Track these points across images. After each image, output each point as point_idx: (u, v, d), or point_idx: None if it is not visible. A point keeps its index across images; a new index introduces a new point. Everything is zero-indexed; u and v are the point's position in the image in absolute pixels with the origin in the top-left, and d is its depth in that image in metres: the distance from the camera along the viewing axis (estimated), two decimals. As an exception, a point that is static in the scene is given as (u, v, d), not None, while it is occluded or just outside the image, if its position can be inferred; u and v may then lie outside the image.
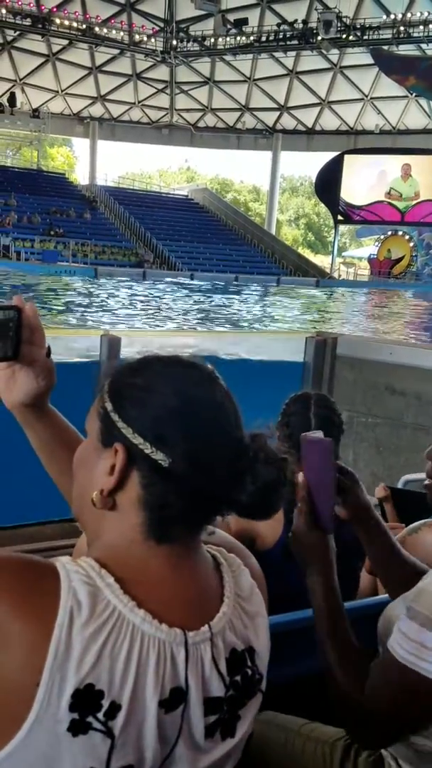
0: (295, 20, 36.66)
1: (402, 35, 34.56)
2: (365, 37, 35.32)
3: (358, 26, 35.18)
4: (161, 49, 39.55)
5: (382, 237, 39.55)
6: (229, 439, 0.89)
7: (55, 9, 36.54)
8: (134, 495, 0.87)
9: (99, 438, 0.90)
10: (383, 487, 2.72)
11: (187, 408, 0.87)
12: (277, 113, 44.52)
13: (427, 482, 1.34)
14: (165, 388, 0.87)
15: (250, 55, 40.00)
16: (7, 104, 40.08)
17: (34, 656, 0.75)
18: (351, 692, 1.15)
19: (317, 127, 44.65)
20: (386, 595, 1.83)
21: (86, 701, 0.76)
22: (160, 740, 0.81)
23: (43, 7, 36.21)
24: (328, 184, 39.84)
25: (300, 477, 1.28)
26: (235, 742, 0.90)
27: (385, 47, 35.31)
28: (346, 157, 39.74)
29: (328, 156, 41.05)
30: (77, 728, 0.75)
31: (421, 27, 34.22)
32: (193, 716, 0.84)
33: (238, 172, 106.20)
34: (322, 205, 46.69)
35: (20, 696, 0.75)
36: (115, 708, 0.77)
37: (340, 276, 41.07)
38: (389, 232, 39.21)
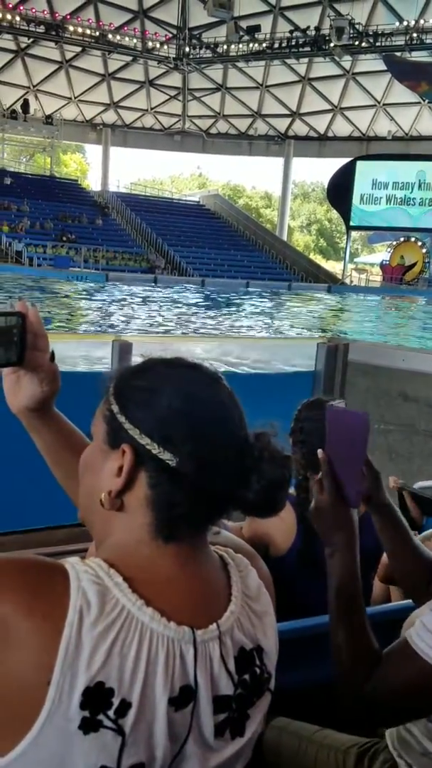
0: (308, 27, 36.72)
1: (415, 42, 34.49)
2: (378, 44, 35.30)
3: (371, 33, 35.16)
4: (174, 55, 39.71)
5: (394, 243, 39.44)
6: (234, 438, 0.90)
7: (68, 16, 36.79)
8: (142, 495, 0.88)
9: (105, 440, 0.91)
10: (394, 479, 2.70)
11: (193, 408, 0.88)
12: (289, 119, 44.58)
13: None
14: (170, 389, 0.89)
15: (263, 62, 40.08)
16: (20, 111, 40.38)
17: (45, 654, 0.76)
18: (355, 673, 1.13)
19: (329, 134, 44.66)
20: (398, 603, 1.82)
21: (97, 699, 0.76)
22: (170, 738, 0.81)
23: (56, 15, 36.47)
24: (340, 190, 39.82)
25: (320, 453, 1.25)
26: (244, 741, 0.90)
27: (398, 54, 35.27)
28: (359, 163, 39.69)
29: (340, 162, 41.07)
30: (88, 726, 0.76)
31: (434, 33, 34.18)
32: (202, 714, 0.84)
33: (249, 179, 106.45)
34: (334, 211, 46.67)
35: (32, 694, 0.75)
36: (125, 706, 0.78)
37: (351, 282, 40.98)
38: (401, 239, 39.10)
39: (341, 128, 44.18)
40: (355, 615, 1.18)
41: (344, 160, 40.69)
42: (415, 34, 34.39)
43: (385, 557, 2.03)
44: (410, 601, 1.48)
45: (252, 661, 0.91)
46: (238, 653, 0.90)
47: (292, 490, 2.04)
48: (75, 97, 43.50)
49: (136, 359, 0.97)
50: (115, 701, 0.77)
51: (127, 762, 0.78)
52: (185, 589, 0.88)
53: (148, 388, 0.89)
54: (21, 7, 35.34)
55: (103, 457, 0.92)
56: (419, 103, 40.02)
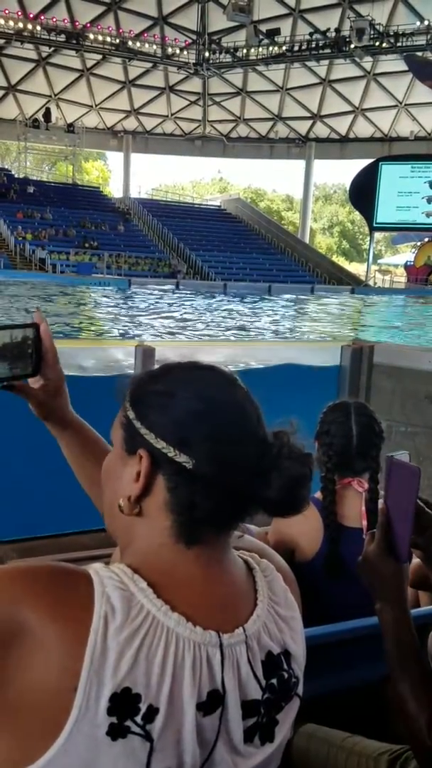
0: (328, 29, 36.64)
1: (436, 41, 34.26)
2: (399, 44, 35.09)
3: (392, 33, 34.97)
4: (194, 61, 39.86)
5: (419, 244, 39.10)
6: (252, 437, 0.89)
7: (89, 25, 37.15)
8: (161, 499, 0.87)
9: (123, 447, 0.92)
10: None
11: (208, 409, 0.87)
12: (310, 122, 44.47)
13: None
14: (185, 392, 0.88)
15: (283, 65, 40.06)
16: (42, 120, 40.84)
17: (71, 660, 0.76)
18: (421, 725, 1.10)
19: (351, 135, 44.47)
20: (428, 608, 1.80)
21: (124, 705, 0.76)
22: (199, 743, 0.81)
23: (77, 23, 36.85)
24: (362, 191, 39.61)
25: (380, 503, 1.24)
26: (274, 747, 0.89)
27: (419, 53, 35.03)
28: (382, 164, 39.43)
29: (362, 163, 40.85)
30: (116, 732, 0.76)
31: (456, 32, 33.91)
32: (231, 719, 0.84)
33: (271, 182, 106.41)
34: (356, 212, 46.43)
35: (58, 701, 0.75)
36: (152, 711, 0.77)
37: (375, 284, 40.69)
38: (426, 239, 38.75)
39: (363, 129, 43.96)
40: (414, 666, 1.15)
41: (366, 162, 40.49)
42: (436, 34, 34.13)
43: (415, 563, 2.00)
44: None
45: (280, 665, 0.90)
46: (266, 657, 0.89)
47: (318, 494, 2.03)
48: (96, 105, 43.87)
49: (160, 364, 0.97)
50: (143, 707, 0.77)
51: (157, 767, 0.78)
52: (210, 592, 0.87)
53: (163, 392, 0.89)
54: (42, 17, 35.76)
55: (122, 464, 0.92)
56: (441, 102, 39.72)
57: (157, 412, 0.88)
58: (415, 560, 1.97)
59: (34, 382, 1.22)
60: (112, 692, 0.76)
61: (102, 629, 0.77)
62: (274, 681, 0.89)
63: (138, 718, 0.76)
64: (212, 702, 0.82)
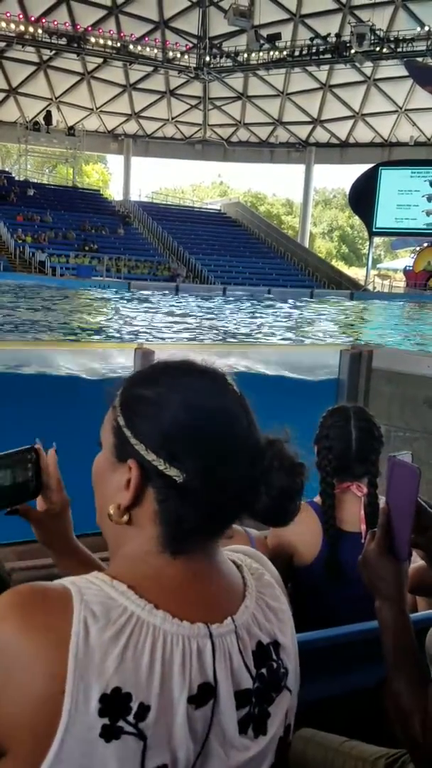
0: (328, 34, 36.73)
1: (436, 47, 34.35)
2: (399, 50, 35.14)
3: (392, 38, 35.04)
4: (194, 65, 39.93)
5: (418, 249, 39.16)
6: (242, 447, 0.88)
7: (90, 28, 37.21)
8: (150, 510, 0.88)
9: (113, 452, 0.91)
10: None
11: (199, 422, 0.86)
12: (311, 126, 44.55)
13: None
14: (176, 401, 0.87)
15: (283, 70, 40.14)
16: (43, 122, 40.88)
17: (55, 665, 0.76)
18: (414, 724, 1.11)
19: (351, 140, 44.54)
20: (426, 612, 1.80)
21: (115, 705, 0.76)
22: (191, 737, 0.81)
23: (78, 27, 36.91)
24: (362, 196, 39.67)
25: (382, 503, 1.25)
26: (267, 740, 0.89)
27: (420, 59, 35.12)
28: (382, 169, 39.50)
29: (361, 168, 40.90)
30: (110, 734, 0.76)
31: (456, 38, 34.00)
32: (224, 711, 0.84)
33: (270, 186, 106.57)
34: (356, 217, 46.49)
35: (48, 706, 0.75)
36: (144, 709, 0.78)
37: (375, 288, 40.73)
38: (425, 244, 38.81)
39: (363, 134, 44.04)
40: (410, 665, 1.16)
41: (366, 167, 40.54)
42: (436, 39, 34.23)
43: (412, 567, 2.00)
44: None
45: (269, 655, 0.91)
46: (256, 647, 0.89)
47: (317, 499, 2.03)
48: (97, 108, 43.93)
49: None
50: (134, 705, 0.77)
51: (151, 765, 0.78)
52: (196, 591, 0.88)
53: (153, 400, 0.88)
54: (43, 20, 35.82)
55: (112, 469, 0.91)
56: (441, 107, 39.82)
57: (146, 422, 0.87)
58: (413, 565, 1.97)
59: (40, 506, 1.23)
60: (101, 693, 0.76)
61: (83, 632, 0.77)
62: (263, 671, 0.89)
63: (130, 717, 0.77)
64: (203, 694, 0.82)
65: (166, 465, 0.85)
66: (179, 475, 0.85)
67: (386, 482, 1.25)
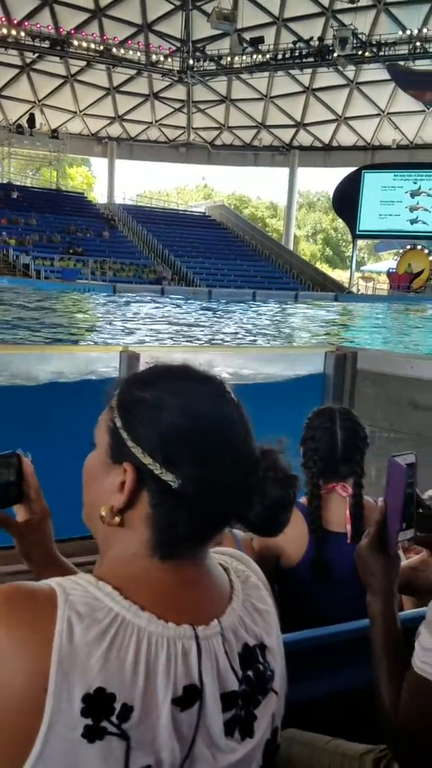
0: (311, 38, 36.92)
1: (418, 51, 34.59)
2: (381, 53, 35.43)
3: (374, 42, 35.30)
4: (178, 68, 39.98)
5: (401, 251, 39.43)
6: (238, 456, 0.89)
7: (73, 31, 37.13)
8: (143, 513, 0.87)
9: (108, 453, 0.91)
10: None
11: (198, 428, 0.86)
12: (294, 130, 44.75)
13: None
14: (175, 406, 0.87)
15: (267, 73, 40.29)
16: (26, 125, 40.72)
17: (38, 662, 0.76)
18: (392, 713, 1.13)
19: (334, 143, 44.79)
20: (412, 611, 1.81)
21: (98, 705, 0.76)
22: (177, 739, 0.80)
23: (61, 30, 36.83)
24: (345, 199, 39.90)
25: (380, 501, 1.27)
26: (254, 743, 0.89)
27: (402, 63, 35.40)
28: (365, 172, 39.74)
29: (345, 171, 41.14)
30: (93, 734, 0.76)
31: (437, 42, 34.30)
32: (210, 713, 0.84)
33: (255, 189, 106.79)
34: (340, 220, 46.73)
35: (30, 704, 0.75)
36: (127, 710, 0.77)
37: (359, 291, 40.96)
38: (408, 246, 39.09)
39: (346, 138, 44.30)
40: (392, 658, 1.18)
41: (349, 170, 40.79)
42: (418, 43, 34.50)
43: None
44: (424, 609, 1.47)
45: (255, 658, 0.91)
46: (242, 649, 0.89)
47: (303, 500, 2.04)
48: (80, 111, 43.84)
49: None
50: (117, 706, 0.77)
51: (135, 766, 0.78)
52: (182, 594, 0.88)
53: (152, 403, 0.87)
54: (26, 23, 35.70)
55: (105, 470, 0.91)
56: (423, 111, 40.11)
57: (144, 425, 0.87)
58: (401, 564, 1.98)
59: (20, 516, 1.21)
60: (84, 693, 0.76)
61: (67, 631, 0.77)
62: (250, 673, 0.89)
63: (113, 718, 0.76)
64: (189, 696, 0.82)
65: (162, 470, 0.85)
66: (175, 481, 0.84)
67: (386, 481, 1.28)
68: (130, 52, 38.97)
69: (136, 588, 0.84)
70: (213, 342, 13.58)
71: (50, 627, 0.77)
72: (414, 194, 38.73)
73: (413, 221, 38.99)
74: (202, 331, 15.80)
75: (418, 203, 38.72)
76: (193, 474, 0.85)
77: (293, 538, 1.98)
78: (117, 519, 0.88)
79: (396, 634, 1.21)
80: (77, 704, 0.75)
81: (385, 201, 39.16)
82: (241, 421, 0.91)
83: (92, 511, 0.93)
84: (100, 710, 0.76)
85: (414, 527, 1.25)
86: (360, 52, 35.29)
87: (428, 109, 39.07)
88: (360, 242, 43.83)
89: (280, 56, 37.67)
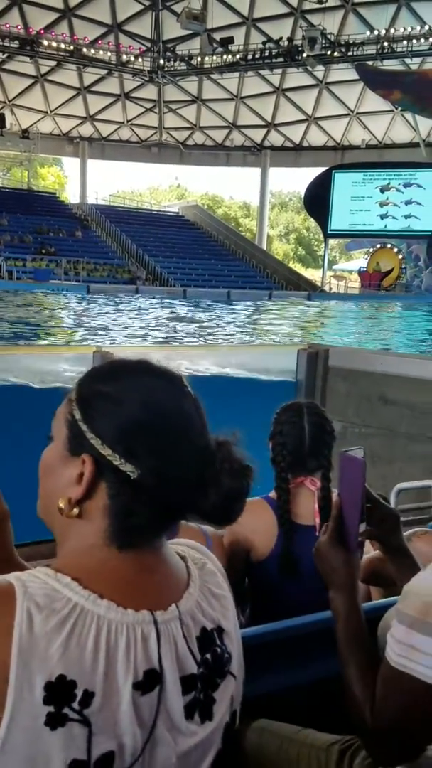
0: (281, 38, 37.06)
1: (386, 50, 34.94)
2: (350, 53, 35.70)
3: (343, 42, 35.56)
4: (149, 68, 39.86)
5: (371, 250, 39.78)
6: (195, 448, 0.91)
7: (42, 31, 36.82)
8: (101, 504, 0.89)
9: (66, 446, 0.91)
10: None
11: (157, 420, 0.88)
12: (265, 130, 44.89)
13: None
14: (134, 399, 0.88)
15: (237, 73, 40.37)
16: (-3, 125, 40.30)
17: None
18: (365, 710, 1.13)
19: (305, 143, 45.03)
20: (379, 601, 1.84)
21: (60, 692, 0.77)
22: (138, 723, 0.82)
23: (30, 30, 36.50)
24: (316, 199, 40.10)
25: (335, 496, 1.28)
26: (213, 726, 0.91)
27: (370, 63, 35.70)
28: (335, 172, 40.01)
29: (316, 171, 41.34)
30: (55, 721, 0.76)
31: (405, 42, 34.62)
32: (170, 696, 0.85)
33: (227, 189, 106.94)
34: (312, 219, 46.98)
35: None
36: (88, 696, 0.78)
37: (331, 289, 41.24)
38: (378, 245, 39.45)
39: (316, 138, 44.56)
40: (361, 651, 1.19)
41: (320, 170, 40.98)
42: (386, 43, 34.85)
43: (365, 558, 2.04)
44: (391, 599, 1.50)
45: (213, 641, 0.93)
46: (200, 633, 0.91)
47: (272, 494, 2.06)
48: (51, 111, 43.49)
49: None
50: (78, 693, 0.78)
51: (97, 752, 0.79)
52: (140, 581, 0.89)
53: (112, 396, 0.89)
54: (-6, 23, 35.37)
55: (63, 462, 0.91)
56: (392, 111, 40.51)
57: (104, 417, 0.88)
58: (366, 556, 2.01)
59: None
60: (46, 681, 0.76)
61: (27, 622, 0.78)
62: (208, 656, 0.91)
63: (75, 704, 0.77)
64: (149, 681, 0.83)
65: (121, 461, 0.86)
66: (134, 472, 0.86)
67: (339, 476, 1.29)
68: (101, 52, 38.77)
69: (95, 577, 0.86)
70: (188, 341, 13.58)
71: (9, 619, 0.78)
72: (384, 189, 38.98)
73: (383, 216, 39.17)
74: (176, 330, 15.79)
75: (388, 200, 39.02)
76: (151, 465, 0.86)
77: (262, 532, 2.00)
78: (75, 510, 0.89)
79: (362, 629, 1.22)
80: (39, 692, 0.76)
81: (356, 200, 39.44)
82: (197, 415, 0.93)
83: (49, 504, 0.93)
84: (62, 697, 0.77)
85: (365, 521, 1.26)
86: (329, 52, 35.52)
87: (396, 109, 39.46)
88: (332, 241, 44.12)
89: (250, 56, 37.75)
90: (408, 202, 38.44)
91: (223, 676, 0.94)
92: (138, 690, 0.82)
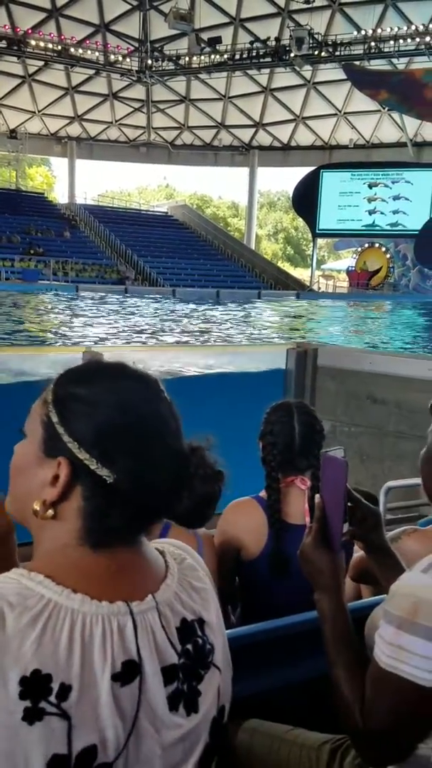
0: (268, 38, 37.10)
1: (373, 50, 35.09)
2: (337, 53, 35.81)
3: (330, 42, 35.67)
4: (136, 68, 39.81)
5: (359, 249, 39.91)
6: (170, 453, 0.91)
7: (30, 31, 36.69)
8: (75, 506, 0.88)
9: (42, 447, 0.91)
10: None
11: (133, 424, 0.88)
12: (253, 130, 44.94)
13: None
14: (111, 402, 0.88)
15: (225, 73, 40.38)
16: (-17, 126, 40.11)
17: None
18: (355, 710, 1.13)
19: (293, 143, 45.12)
20: (369, 599, 1.85)
21: (35, 686, 0.77)
22: (119, 715, 0.81)
23: (18, 29, 36.36)
24: (304, 198, 40.18)
25: (317, 498, 1.28)
26: (200, 718, 0.90)
27: (357, 62, 35.82)
28: (323, 171, 40.10)
29: (304, 171, 41.44)
30: (32, 716, 0.76)
31: (392, 42, 34.78)
32: (151, 687, 0.85)
33: (216, 189, 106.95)
34: (300, 219, 47.08)
35: None
36: (65, 689, 0.78)
37: (319, 289, 41.34)
38: (366, 245, 39.58)
39: (304, 137, 44.66)
40: (349, 653, 1.19)
41: (308, 169, 41.09)
42: (373, 43, 35.00)
43: (355, 557, 2.05)
44: (378, 597, 1.50)
45: (194, 631, 0.93)
46: (180, 624, 0.91)
47: (262, 493, 2.06)
48: (39, 111, 43.33)
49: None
50: (54, 686, 0.77)
51: (79, 745, 0.78)
52: (116, 576, 0.89)
53: (89, 399, 0.89)
54: (-19, 23, 35.20)
55: (38, 463, 0.91)
56: (379, 111, 40.66)
57: (80, 420, 0.88)
58: (356, 555, 2.02)
59: None
60: (20, 676, 0.76)
61: (0, 622, 0.78)
62: (189, 647, 0.91)
63: (51, 698, 0.77)
64: (128, 672, 0.83)
65: (98, 465, 0.86)
66: (110, 476, 0.86)
67: (320, 477, 1.30)
68: (88, 52, 38.68)
69: (68, 574, 0.85)
70: (177, 341, 13.58)
71: None
72: (372, 188, 39.09)
73: (371, 212, 39.24)
74: (165, 330, 15.77)
75: (376, 199, 39.13)
76: (127, 469, 0.86)
77: (253, 532, 2.00)
78: (50, 512, 0.89)
79: (349, 630, 1.22)
80: (14, 688, 0.76)
81: (344, 200, 39.54)
82: (173, 419, 0.93)
83: (23, 505, 0.93)
84: (38, 691, 0.77)
85: (348, 521, 1.27)
86: (316, 52, 35.63)
87: (384, 108, 39.60)
88: (320, 241, 44.23)
89: (237, 56, 37.80)
90: (396, 201, 38.58)
91: (206, 667, 0.93)
92: (117, 681, 0.81)
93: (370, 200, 39.15)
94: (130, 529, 0.91)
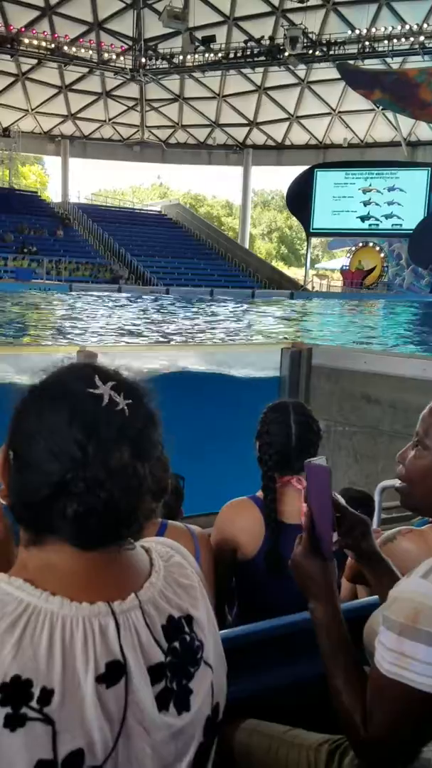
0: (262, 37, 37.09)
1: (367, 50, 35.12)
2: (331, 53, 35.82)
3: (324, 42, 35.67)
4: (130, 67, 39.74)
5: (353, 249, 39.96)
6: (125, 471, 0.87)
7: (23, 29, 36.57)
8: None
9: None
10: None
11: (87, 445, 0.84)
12: (247, 129, 44.93)
13: (398, 485, 1.33)
14: (62, 423, 0.85)
15: (219, 72, 40.35)
16: (-24, 124, 39.96)
17: None
18: (355, 718, 1.13)
19: (287, 142, 45.13)
20: (365, 599, 1.86)
21: (15, 692, 0.76)
22: (105, 717, 0.80)
23: (11, 28, 36.24)
24: (299, 197, 40.19)
25: (303, 506, 1.28)
26: (192, 715, 0.89)
27: (351, 62, 35.84)
28: (317, 170, 40.14)
29: (298, 170, 41.45)
30: (14, 722, 0.75)
31: (386, 42, 34.82)
32: (137, 687, 0.84)
33: (210, 188, 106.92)
34: (294, 218, 47.10)
35: None
36: (47, 693, 0.77)
37: (313, 288, 41.37)
38: (360, 244, 39.64)
39: (298, 137, 44.67)
40: (347, 661, 1.19)
41: (302, 168, 41.10)
42: (367, 43, 35.03)
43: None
44: (374, 597, 1.50)
45: (181, 629, 0.92)
46: (167, 622, 0.90)
47: (259, 493, 2.06)
48: (32, 109, 43.20)
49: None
50: (36, 691, 0.77)
51: (64, 750, 0.77)
52: (96, 576, 0.88)
53: (44, 434, 0.86)
54: (-26, 20, 35.07)
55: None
56: (373, 110, 40.73)
57: (39, 451, 0.86)
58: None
59: None
60: (0, 682, 0.76)
61: None
62: (176, 644, 0.90)
63: (33, 703, 0.76)
64: (113, 673, 0.82)
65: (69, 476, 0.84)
66: (78, 486, 0.84)
67: (306, 487, 1.29)
68: (82, 50, 38.59)
69: (48, 577, 0.85)
70: (171, 340, 13.57)
71: None
72: (366, 191, 39.19)
73: (365, 212, 39.30)
74: (159, 329, 15.76)
75: (370, 199, 39.20)
76: (94, 485, 0.84)
77: (249, 531, 2.01)
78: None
79: (345, 638, 1.21)
80: None
81: (338, 199, 39.57)
82: (130, 431, 0.89)
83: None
84: (18, 697, 0.76)
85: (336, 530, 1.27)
86: (310, 52, 35.63)
87: (378, 108, 39.66)
88: (314, 240, 44.28)
89: (231, 55, 37.77)
90: (390, 201, 38.65)
91: (195, 664, 0.92)
92: (102, 683, 0.80)
93: (364, 200, 39.20)
94: (108, 534, 0.89)
